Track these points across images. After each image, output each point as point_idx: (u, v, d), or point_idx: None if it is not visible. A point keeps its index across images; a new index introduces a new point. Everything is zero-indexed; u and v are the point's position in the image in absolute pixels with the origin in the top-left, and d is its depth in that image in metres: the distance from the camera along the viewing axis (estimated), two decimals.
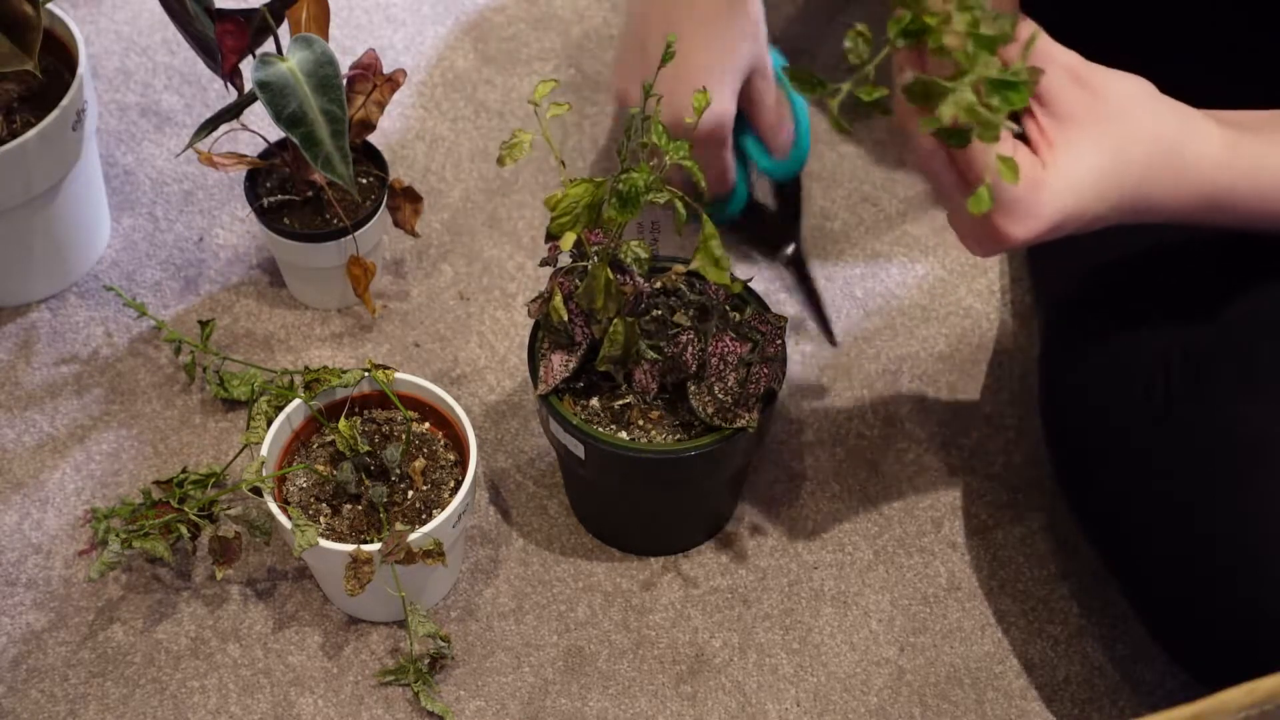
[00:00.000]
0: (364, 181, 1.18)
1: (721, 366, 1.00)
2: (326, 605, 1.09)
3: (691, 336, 1.00)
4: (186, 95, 1.36)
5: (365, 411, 1.09)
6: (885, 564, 1.12)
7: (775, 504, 1.14)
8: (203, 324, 1.17)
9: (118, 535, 1.04)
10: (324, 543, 1.00)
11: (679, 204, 0.94)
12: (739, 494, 1.13)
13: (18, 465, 1.15)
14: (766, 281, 1.25)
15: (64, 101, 1.12)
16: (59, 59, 1.17)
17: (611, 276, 0.98)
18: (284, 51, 1.06)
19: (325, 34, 1.10)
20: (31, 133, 1.11)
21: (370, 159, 1.19)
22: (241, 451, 1.09)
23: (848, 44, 0.83)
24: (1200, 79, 0.93)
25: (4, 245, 1.18)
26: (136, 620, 1.08)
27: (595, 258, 0.98)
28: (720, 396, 1.00)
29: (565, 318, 1.00)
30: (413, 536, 0.99)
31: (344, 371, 1.07)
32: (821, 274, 1.25)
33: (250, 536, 1.09)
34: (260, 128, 1.17)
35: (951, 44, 0.79)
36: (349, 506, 1.04)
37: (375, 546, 0.99)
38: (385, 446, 1.05)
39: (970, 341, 1.23)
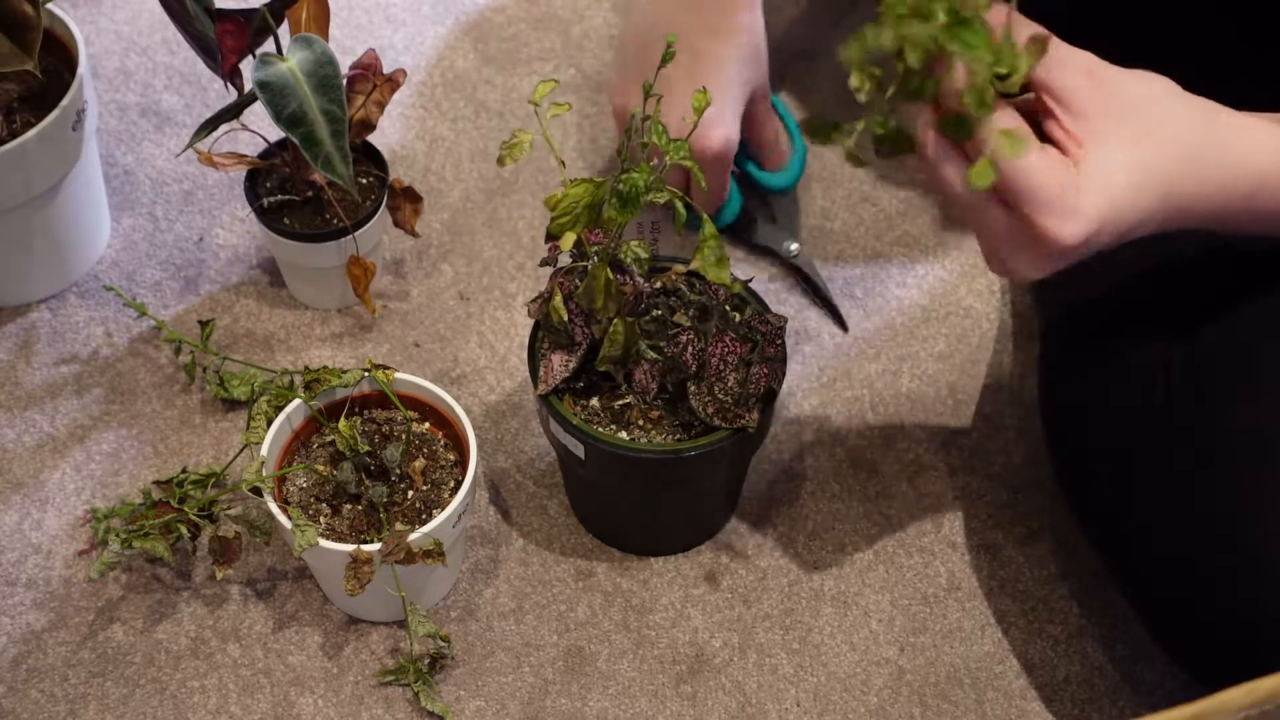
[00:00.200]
0: (364, 181, 1.18)
1: (721, 366, 1.00)
2: (326, 605, 1.09)
3: (691, 336, 1.00)
4: (186, 95, 1.36)
5: (365, 411, 1.09)
6: (885, 564, 1.12)
7: (775, 504, 1.14)
8: (203, 324, 1.17)
9: (118, 535, 1.04)
10: (324, 543, 1.00)
11: (679, 204, 0.94)
12: (739, 494, 1.13)
13: (18, 465, 1.15)
14: (766, 281, 1.25)
15: (64, 101, 1.12)
16: (59, 59, 1.17)
17: (611, 276, 0.98)
18: (284, 51, 1.06)
19: (325, 34, 1.10)
20: (31, 133, 1.11)
21: (370, 159, 1.19)
22: (241, 451, 1.09)
23: (854, 84, 0.83)
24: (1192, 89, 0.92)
25: (4, 245, 1.18)
26: (136, 620, 1.08)
27: (595, 258, 0.98)
28: (720, 396, 1.00)
29: (565, 318, 1.00)
30: (413, 536, 0.99)
31: (344, 371, 1.07)
32: (822, 273, 1.25)
33: (250, 536, 1.09)
34: (260, 128, 1.17)
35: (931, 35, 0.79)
36: (349, 506, 1.04)
37: (375, 546, 0.99)
38: (385, 446, 1.05)
39: (970, 341, 1.23)
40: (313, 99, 1.05)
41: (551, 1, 1.42)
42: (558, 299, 0.99)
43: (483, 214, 1.29)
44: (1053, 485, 1.14)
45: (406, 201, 1.20)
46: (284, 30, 1.07)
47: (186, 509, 1.05)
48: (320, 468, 1.06)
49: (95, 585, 1.09)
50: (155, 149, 1.32)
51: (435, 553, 0.99)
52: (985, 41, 0.79)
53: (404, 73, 1.15)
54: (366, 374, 1.07)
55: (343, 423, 1.05)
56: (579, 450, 1.02)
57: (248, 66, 1.06)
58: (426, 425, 1.08)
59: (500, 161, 0.95)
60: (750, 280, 1.07)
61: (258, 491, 1.01)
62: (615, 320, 0.99)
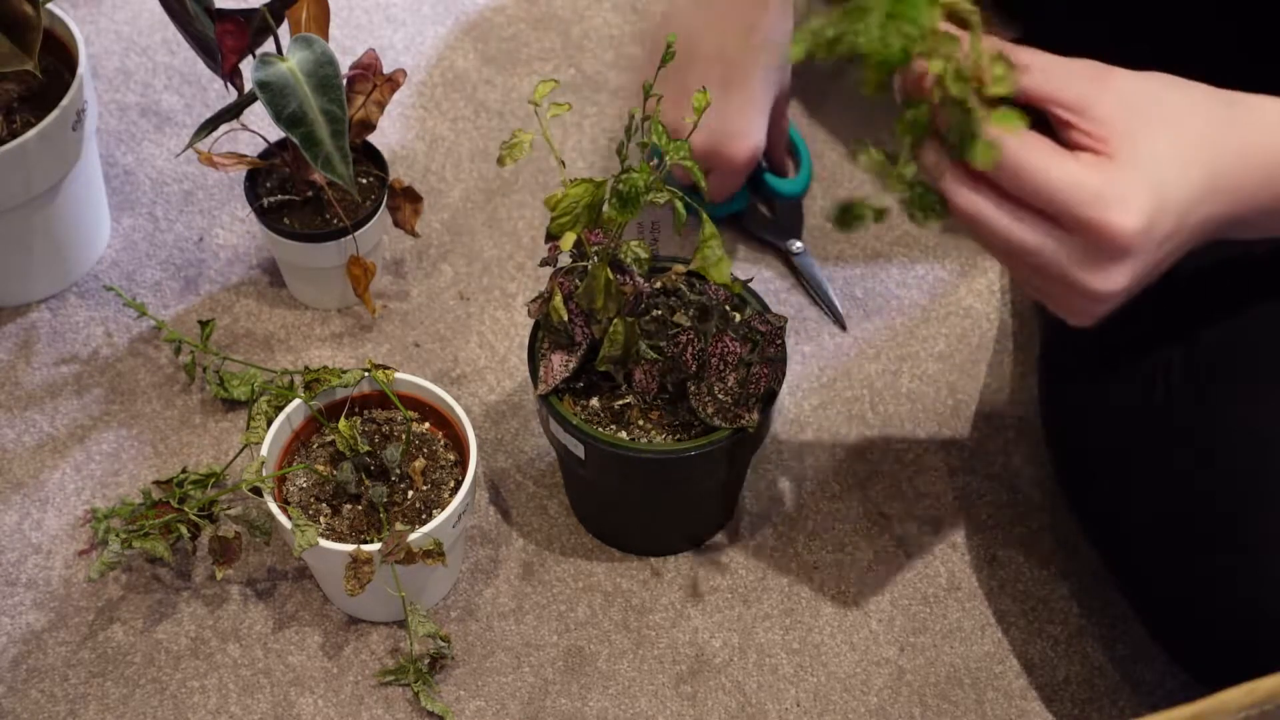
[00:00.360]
0: (364, 181, 1.18)
1: (721, 366, 1.00)
2: (326, 605, 1.09)
3: (691, 336, 1.00)
4: (186, 95, 1.36)
5: (365, 411, 1.09)
6: (885, 564, 1.12)
7: (775, 504, 1.14)
8: (203, 324, 1.17)
9: (118, 535, 1.04)
10: (324, 543, 1.00)
11: (679, 204, 0.94)
12: (739, 494, 1.13)
13: (18, 465, 1.15)
14: (766, 282, 1.25)
15: (64, 101, 1.12)
16: (59, 59, 1.17)
17: (611, 276, 0.98)
18: (284, 51, 1.06)
19: (325, 34, 1.10)
20: (31, 133, 1.11)
21: (370, 159, 1.19)
22: (241, 451, 1.09)
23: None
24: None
25: (4, 245, 1.18)
26: (136, 620, 1.08)
27: (595, 258, 0.98)
28: (720, 396, 1.00)
29: (565, 318, 1.00)
30: (413, 536, 0.99)
31: (344, 371, 1.07)
32: (822, 273, 1.25)
33: (250, 536, 1.09)
34: (260, 128, 1.17)
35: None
36: (349, 506, 1.04)
37: (375, 546, 0.99)
38: (385, 446, 1.05)
39: (970, 341, 1.23)
40: (313, 99, 1.05)
41: (551, 1, 1.42)
42: (558, 299, 0.99)
43: (483, 214, 1.29)
44: (1053, 485, 1.14)
45: (406, 201, 1.20)
46: (284, 30, 1.07)
47: (186, 509, 1.05)
48: (320, 468, 1.06)
49: (95, 585, 1.09)
50: (155, 149, 1.32)
51: (435, 553, 0.99)
52: (923, 14, 0.78)
53: (404, 73, 1.15)
54: (366, 374, 1.07)
55: (343, 423, 1.05)
56: (579, 450, 1.02)
57: (248, 66, 1.06)
58: (426, 425, 1.08)
59: (500, 161, 0.95)
60: (750, 280, 1.07)
61: (258, 491, 1.01)
62: (615, 320, 0.99)
